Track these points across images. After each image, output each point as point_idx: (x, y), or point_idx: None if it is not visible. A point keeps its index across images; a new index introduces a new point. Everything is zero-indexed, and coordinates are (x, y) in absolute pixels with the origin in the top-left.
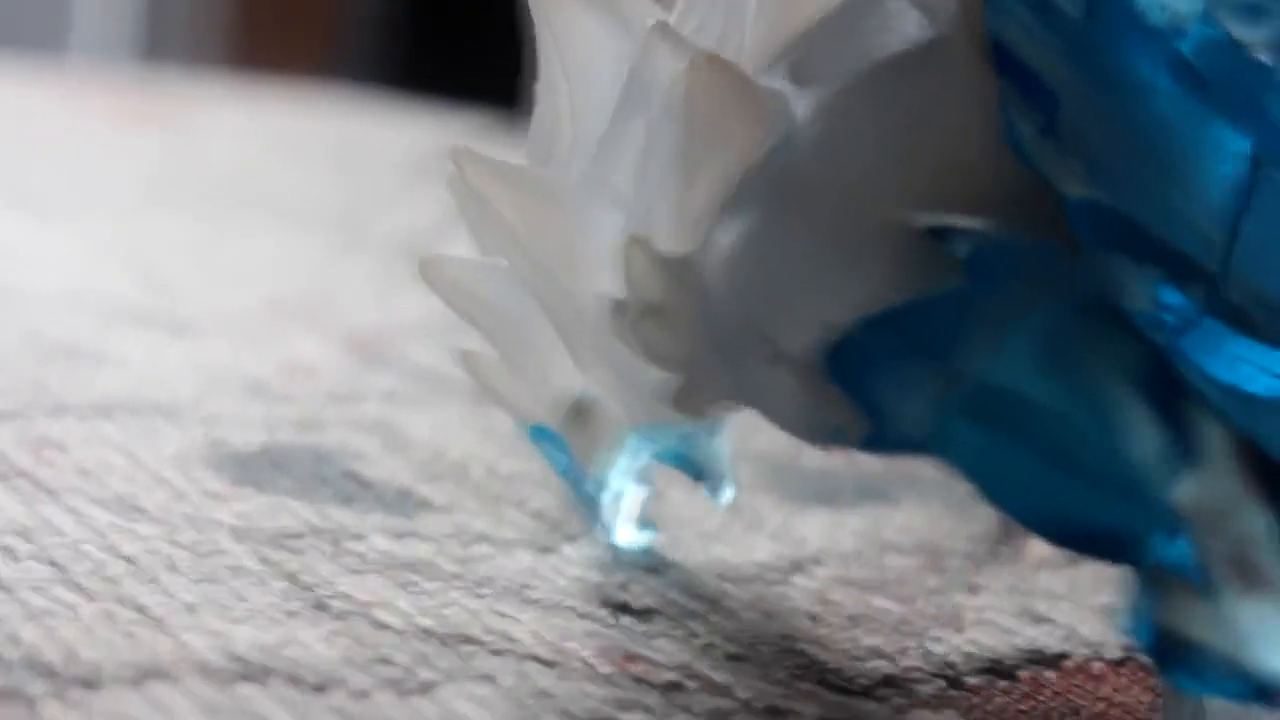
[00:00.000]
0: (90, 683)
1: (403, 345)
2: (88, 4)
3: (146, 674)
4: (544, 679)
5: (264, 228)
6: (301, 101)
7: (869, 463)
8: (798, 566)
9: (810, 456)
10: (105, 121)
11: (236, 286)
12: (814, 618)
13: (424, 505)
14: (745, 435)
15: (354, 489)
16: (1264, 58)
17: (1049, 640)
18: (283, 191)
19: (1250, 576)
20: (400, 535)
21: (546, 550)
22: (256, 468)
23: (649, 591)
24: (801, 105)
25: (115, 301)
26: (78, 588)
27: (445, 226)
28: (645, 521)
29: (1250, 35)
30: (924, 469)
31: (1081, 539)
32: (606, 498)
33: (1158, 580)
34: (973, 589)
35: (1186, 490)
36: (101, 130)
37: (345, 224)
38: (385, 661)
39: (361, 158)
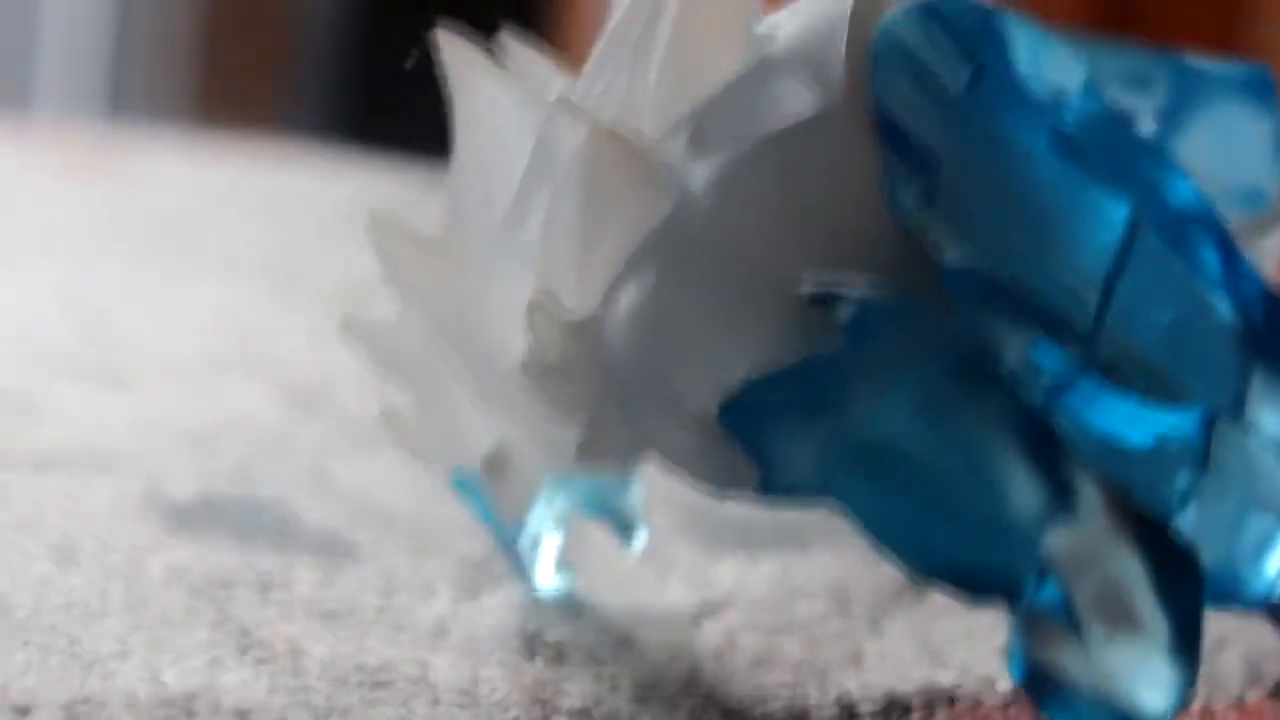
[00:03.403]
0: (23, 710)
1: (338, 395)
2: (52, 61)
3: (76, 705)
4: (457, 713)
5: (207, 279)
6: (254, 156)
7: (787, 511)
8: (708, 610)
9: (729, 505)
10: (54, 175)
11: (176, 337)
12: (720, 658)
13: (350, 551)
14: (665, 484)
15: (284, 536)
16: (1148, 126)
17: (944, 678)
18: (228, 243)
19: (1117, 616)
20: (326, 580)
21: (467, 594)
22: (190, 517)
23: (563, 633)
24: (696, 173)
25: (53, 352)
26: (10, 632)
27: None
28: (564, 566)
29: (1136, 105)
30: (840, 518)
31: (961, 582)
32: (525, 543)
33: (1031, 620)
34: (876, 631)
35: (1058, 537)
36: (50, 183)
37: (288, 275)
38: (305, 696)
39: (309, 210)
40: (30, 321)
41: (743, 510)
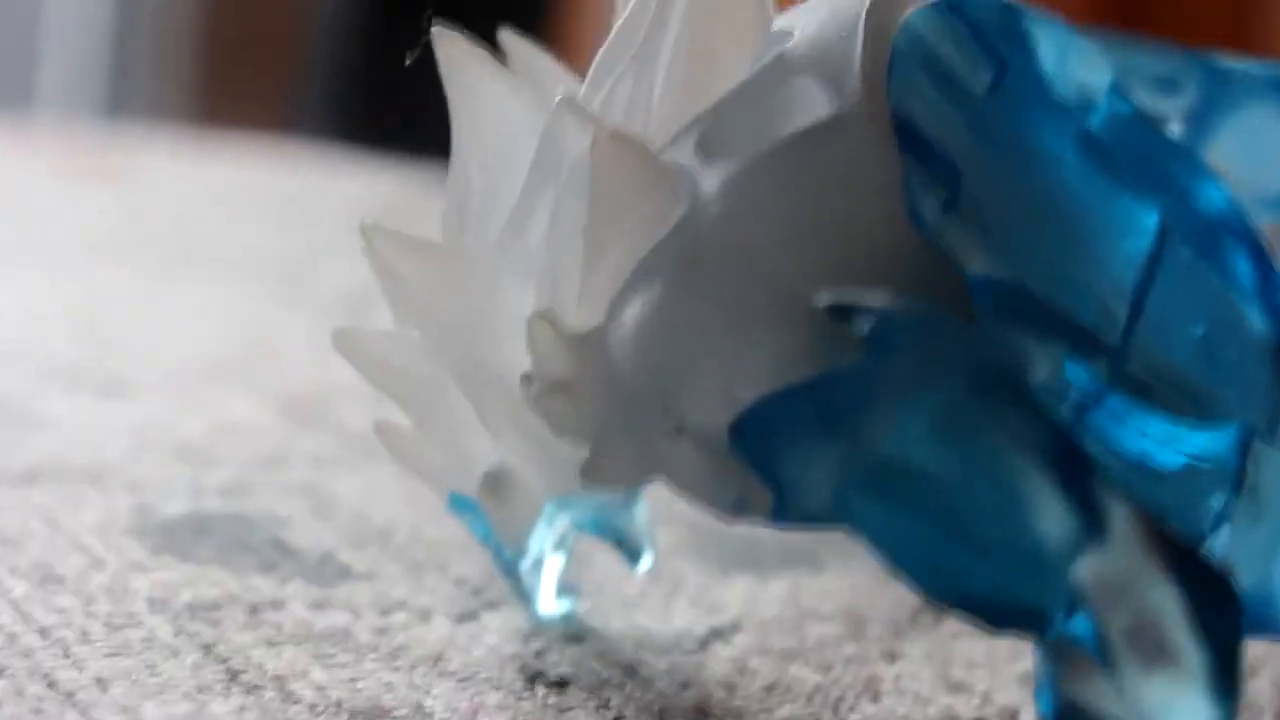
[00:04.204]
0: None
1: (336, 407)
2: (53, 60)
3: None
4: None
5: (207, 283)
6: (256, 156)
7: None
8: (717, 634)
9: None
10: (57, 176)
11: (173, 344)
12: (730, 687)
13: (345, 573)
14: (670, 501)
15: (276, 556)
16: (1175, 129)
17: (964, 708)
18: (229, 246)
19: (1152, 650)
20: (319, 604)
21: (466, 618)
22: (179, 535)
23: (565, 660)
24: (707, 180)
25: (50, 359)
26: None
27: None
28: (565, 588)
29: (1163, 107)
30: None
31: (985, 611)
32: (526, 565)
33: (1061, 653)
34: (891, 656)
35: (1089, 566)
36: (52, 185)
37: (289, 279)
38: None
39: (311, 211)
40: (29, 326)
41: (750, 529)
